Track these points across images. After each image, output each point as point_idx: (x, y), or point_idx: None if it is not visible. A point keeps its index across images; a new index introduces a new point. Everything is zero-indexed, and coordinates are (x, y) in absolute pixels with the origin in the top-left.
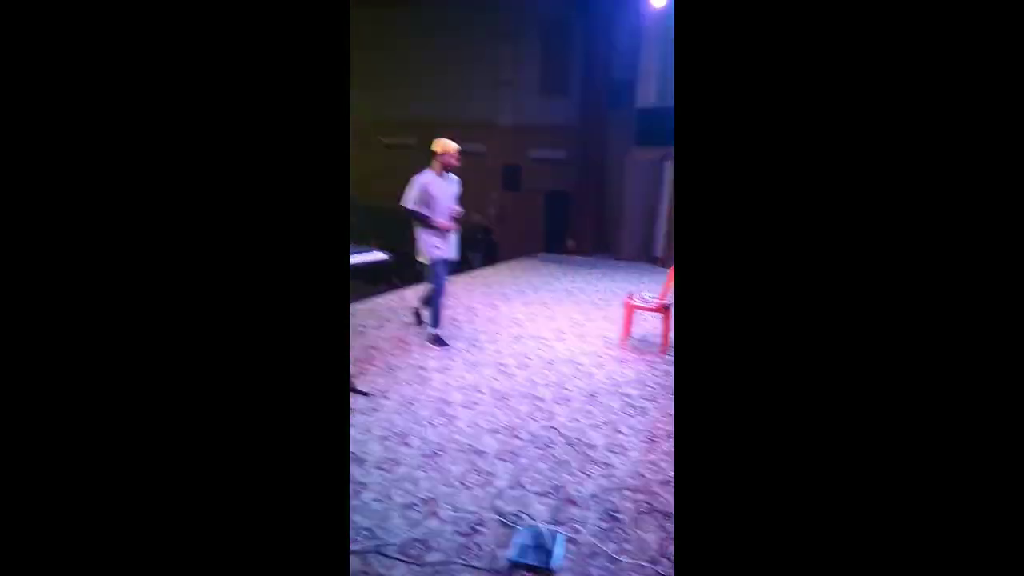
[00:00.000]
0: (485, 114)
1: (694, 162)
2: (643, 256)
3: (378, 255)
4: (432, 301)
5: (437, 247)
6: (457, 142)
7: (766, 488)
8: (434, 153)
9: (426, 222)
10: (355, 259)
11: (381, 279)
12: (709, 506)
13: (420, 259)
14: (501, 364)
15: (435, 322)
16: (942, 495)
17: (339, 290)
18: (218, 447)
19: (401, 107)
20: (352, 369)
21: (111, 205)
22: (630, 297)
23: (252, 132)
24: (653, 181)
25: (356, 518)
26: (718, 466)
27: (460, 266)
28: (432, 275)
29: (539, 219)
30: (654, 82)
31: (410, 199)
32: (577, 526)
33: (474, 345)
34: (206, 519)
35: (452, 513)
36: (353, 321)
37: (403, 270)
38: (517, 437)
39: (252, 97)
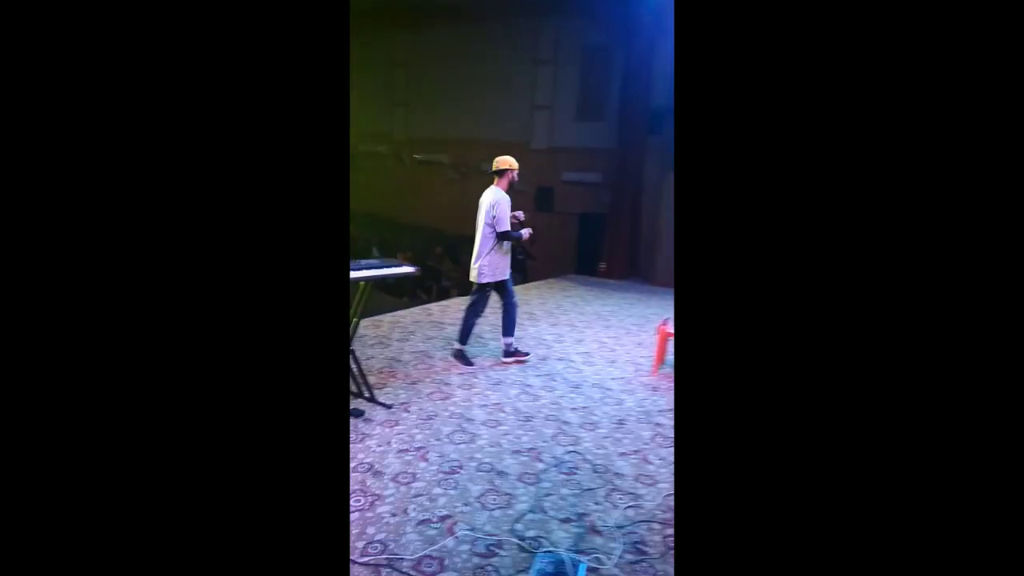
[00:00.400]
0: (519, 136)
1: (694, 173)
2: None
3: (407, 269)
4: (469, 319)
5: (500, 268)
6: (489, 163)
7: (766, 501)
8: (502, 171)
9: (521, 244)
10: (385, 272)
11: (406, 293)
12: (709, 521)
13: (483, 280)
14: (526, 385)
15: (464, 339)
16: (940, 499)
17: (338, 300)
18: (218, 457)
19: (437, 126)
20: (373, 380)
21: (114, 215)
22: (664, 323)
23: (253, 143)
24: None
25: (370, 530)
26: (718, 481)
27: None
28: (482, 297)
29: (572, 241)
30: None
31: (507, 222)
32: (601, 556)
33: (499, 364)
34: (205, 528)
35: (469, 533)
36: (377, 333)
37: (429, 285)
38: (540, 460)
39: (253, 107)
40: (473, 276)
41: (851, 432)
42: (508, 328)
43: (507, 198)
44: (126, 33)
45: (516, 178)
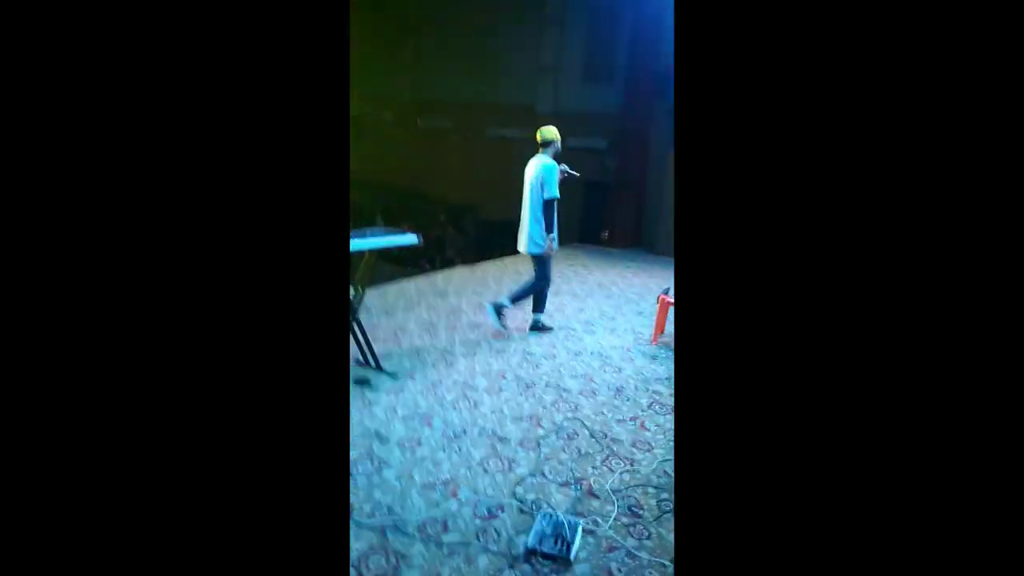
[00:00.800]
0: (525, 99)
1: (694, 154)
2: None
3: (411, 237)
4: (543, 290)
5: (553, 239)
6: (495, 128)
7: (767, 484)
8: (548, 141)
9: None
10: (389, 240)
11: (409, 263)
12: (709, 504)
13: (534, 252)
14: (528, 353)
15: (542, 307)
16: (942, 487)
17: (338, 279)
18: (217, 435)
19: (440, 89)
20: (379, 349)
21: (107, 189)
22: (666, 293)
23: (253, 119)
24: None
25: (376, 494)
26: (719, 461)
27: (489, 254)
28: (545, 266)
29: (576, 209)
30: None
31: (556, 188)
32: (597, 519)
33: (500, 333)
34: (205, 506)
35: (472, 496)
36: (383, 303)
37: (433, 255)
38: (540, 426)
39: (253, 84)
40: (523, 247)
41: (848, 402)
42: (535, 302)
43: (555, 165)
44: (125, 16)
45: (560, 148)
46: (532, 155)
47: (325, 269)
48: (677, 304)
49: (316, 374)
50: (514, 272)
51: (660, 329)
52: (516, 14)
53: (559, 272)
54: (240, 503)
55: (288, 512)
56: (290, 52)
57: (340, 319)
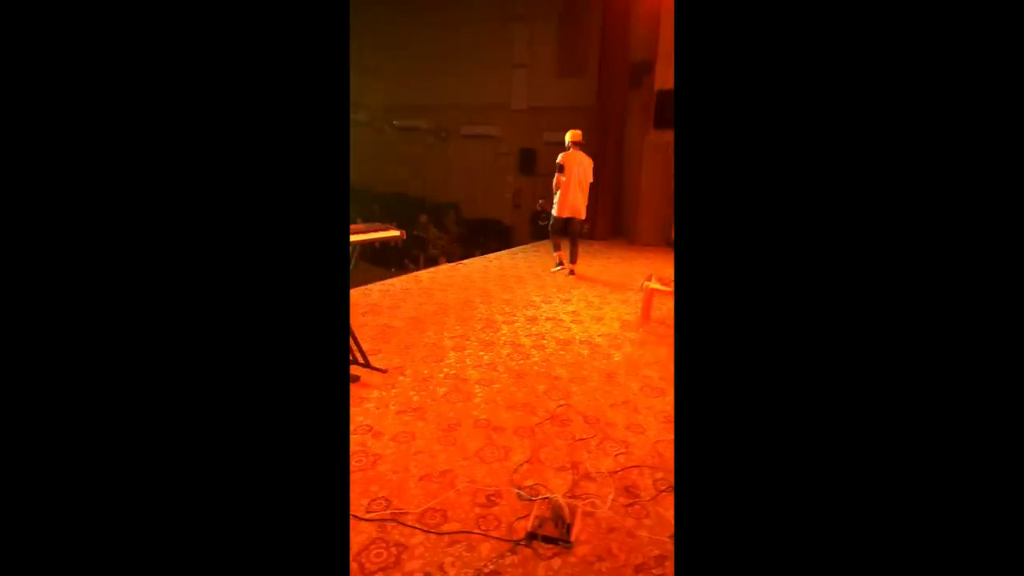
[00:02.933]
0: (499, 97)
1: (694, 146)
2: (661, 241)
3: (394, 232)
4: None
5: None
6: (469, 126)
7: (766, 465)
8: (573, 141)
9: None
10: (373, 235)
11: (393, 263)
12: (709, 483)
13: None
14: (517, 344)
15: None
16: (944, 481)
17: (338, 278)
18: (217, 436)
19: (414, 92)
20: (367, 347)
21: (107, 192)
22: (649, 279)
23: (252, 120)
24: (671, 165)
25: (373, 488)
26: (718, 442)
27: (472, 251)
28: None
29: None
30: (673, 64)
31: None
32: (595, 501)
33: (489, 326)
34: (205, 506)
35: (469, 485)
36: (368, 301)
37: (416, 254)
38: (534, 414)
39: (252, 86)
40: (583, 215)
41: (854, 417)
42: (575, 255)
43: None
44: (123, 16)
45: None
46: (511, 152)
47: (325, 266)
48: (677, 289)
49: (316, 371)
50: (497, 267)
51: (647, 316)
52: (482, 12)
53: (543, 266)
54: (240, 503)
55: (288, 508)
56: (290, 52)
57: (340, 317)
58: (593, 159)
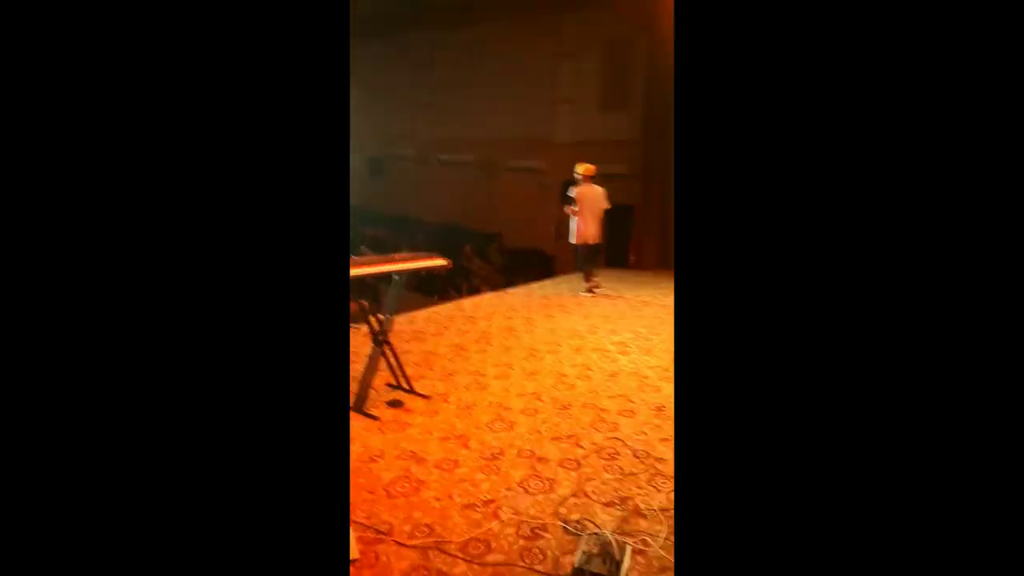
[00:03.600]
0: (543, 132)
1: (694, 163)
2: None
3: (440, 261)
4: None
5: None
6: (514, 160)
7: (769, 481)
8: (584, 175)
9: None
10: (420, 264)
11: (437, 291)
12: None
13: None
14: (562, 374)
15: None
16: (945, 480)
17: (338, 301)
18: (217, 438)
19: (461, 126)
20: (411, 373)
21: (113, 212)
22: None
23: (253, 121)
24: None
25: (416, 514)
26: (720, 460)
27: (514, 280)
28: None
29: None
30: None
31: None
32: (646, 538)
33: (532, 355)
34: (206, 509)
35: (514, 516)
36: (412, 328)
37: (459, 283)
38: (580, 446)
39: (252, 85)
40: (600, 240)
41: (854, 422)
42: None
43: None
44: (129, 23)
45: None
46: (554, 184)
47: (325, 273)
48: (677, 305)
49: (316, 382)
50: (540, 296)
51: None
52: (530, 49)
53: (588, 296)
54: (240, 507)
55: (288, 517)
56: (291, 52)
57: (340, 321)
58: (639, 191)
